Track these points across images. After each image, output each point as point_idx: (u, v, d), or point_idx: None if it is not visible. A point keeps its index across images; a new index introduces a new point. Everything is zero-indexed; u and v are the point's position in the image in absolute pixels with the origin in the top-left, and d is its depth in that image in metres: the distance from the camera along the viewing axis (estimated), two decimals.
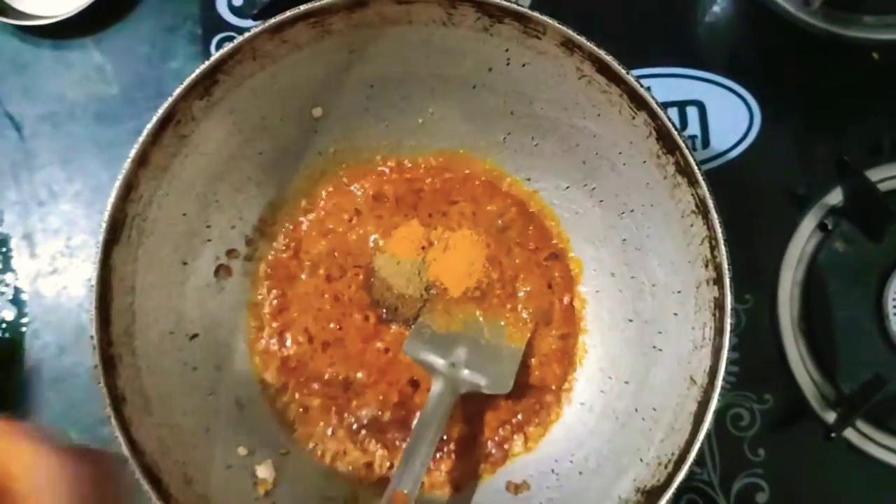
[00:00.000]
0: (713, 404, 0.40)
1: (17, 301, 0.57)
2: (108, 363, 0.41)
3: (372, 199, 0.52)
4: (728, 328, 0.40)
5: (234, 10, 0.59)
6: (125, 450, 0.40)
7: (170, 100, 0.42)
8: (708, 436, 0.41)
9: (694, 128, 0.56)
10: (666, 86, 0.56)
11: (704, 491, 0.52)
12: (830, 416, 0.52)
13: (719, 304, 0.41)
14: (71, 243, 0.58)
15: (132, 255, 0.43)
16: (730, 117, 0.56)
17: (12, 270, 0.57)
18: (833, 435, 0.50)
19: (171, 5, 0.59)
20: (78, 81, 0.59)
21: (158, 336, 0.45)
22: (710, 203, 0.41)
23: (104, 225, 0.41)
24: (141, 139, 0.42)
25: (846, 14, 0.53)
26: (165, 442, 0.43)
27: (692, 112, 0.56)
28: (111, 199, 0.42)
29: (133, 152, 0.42)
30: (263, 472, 0.46)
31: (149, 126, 0.42)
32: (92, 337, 0.41)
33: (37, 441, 0.31)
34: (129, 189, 0.42)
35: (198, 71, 0.42)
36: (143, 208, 0.44)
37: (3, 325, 0.57)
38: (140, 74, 0.59)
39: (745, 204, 0.53)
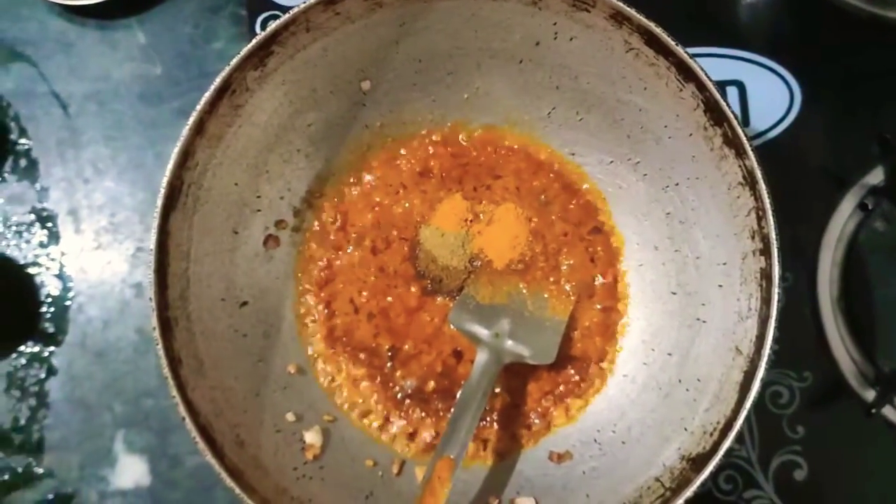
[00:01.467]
0: (760, 372, 0.41)
1: (62, 276, 0.58)
2: (165, 325, 0.42)
3: (418, 173, 0.52)
4: (776, 297, 0.41)
5: None
6: (182, 409, 0.41)
7: (227, 69, 0.43)
8: (747, 413, 0.41)
9: (734, 107, 0.56)
10: (706, 66, 0.54)
11: (743, 467, 0.52)
12: (869, 394, 0.52)
13: (766, 275, 0.42)
14: (115, 219, 0.58)
15: (187, 222, 0.45)
16: (770, 97, 0.56)
17: (57, 246, 0.58)
18: (872, 412, 0.50)
19: None
20: (122, 61, 0.60)
21: (211, 302, 0.46)
22: (759, 174, 0.41)
23: (162, 191, 0.43)
24: (198, 108, 0.43)
25: None
26: (218, 404, 0.44)
27: (732, 92, 0.56)
28: (169, 166, 0.43)
29: (191, 121, 0.43)
30: (311, 437, 0.47)
31: (206, 95, 0.43)
32: (151, 299, 0.42)
33: None
34: (186, 157, 0.43)
35: (254, 41, 0.43)
36: (198, 176, 0.45)
37: (49, 300, 0.57)
38: (183, 55, 0.60)
39: (785, 183, 0.52)
